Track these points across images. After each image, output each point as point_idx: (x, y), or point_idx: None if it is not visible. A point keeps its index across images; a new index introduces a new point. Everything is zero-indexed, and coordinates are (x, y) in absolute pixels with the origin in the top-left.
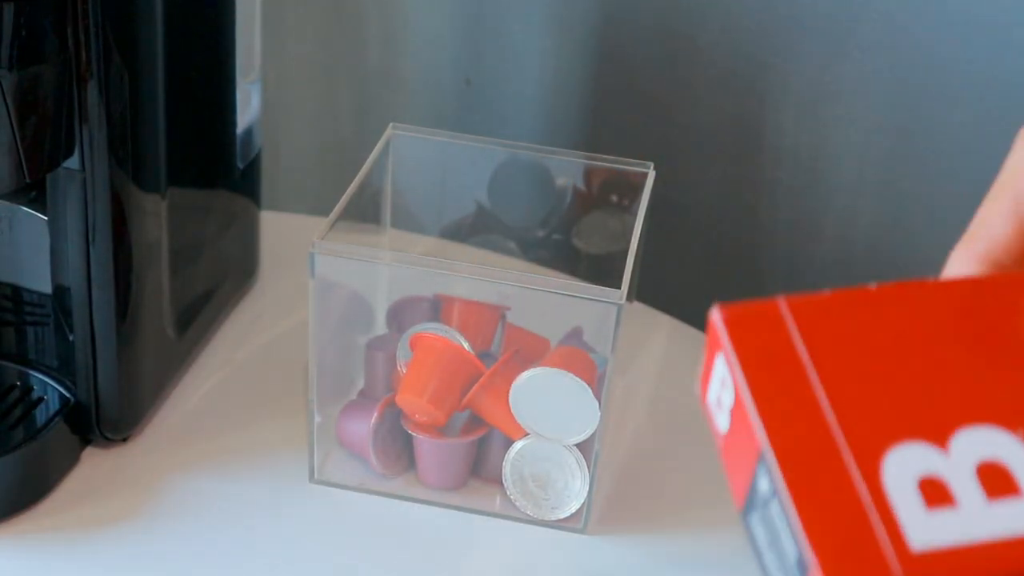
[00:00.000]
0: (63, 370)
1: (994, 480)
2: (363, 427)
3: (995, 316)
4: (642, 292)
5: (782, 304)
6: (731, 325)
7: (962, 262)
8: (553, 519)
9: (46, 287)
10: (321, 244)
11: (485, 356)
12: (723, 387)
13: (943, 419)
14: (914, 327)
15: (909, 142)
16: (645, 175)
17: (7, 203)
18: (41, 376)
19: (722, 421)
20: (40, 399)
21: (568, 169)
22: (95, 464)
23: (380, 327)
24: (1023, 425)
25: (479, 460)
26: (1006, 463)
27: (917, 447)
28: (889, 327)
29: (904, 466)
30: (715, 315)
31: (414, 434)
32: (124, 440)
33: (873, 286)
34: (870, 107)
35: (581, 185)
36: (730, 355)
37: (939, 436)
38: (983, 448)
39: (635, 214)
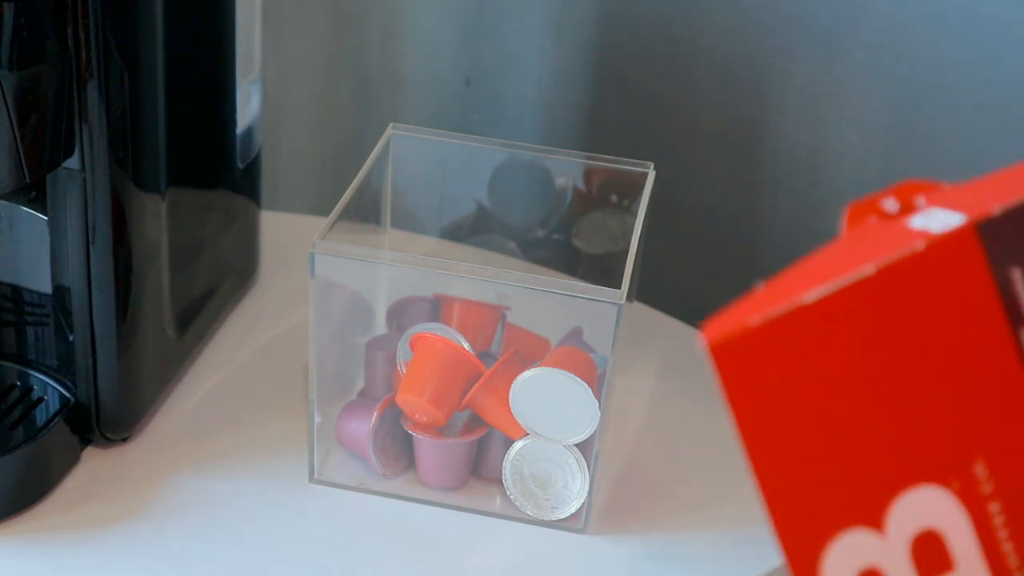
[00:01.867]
0: (63, 370)
1: (929, 557)
2: (363, 427)
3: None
4: (642, 292)
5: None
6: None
7: None
8: (553, 519)
9: (46, 287)
10: (321, 244)
11: (485, 356)
12: None
13: (878, 490)
14: (828, 376)
15: (909, 142)
16: (645, 175)
17: (7, 203)
18: (41, 376)
19: None
20: (40, 399)
21: (568, 169)
22: (95, 464)
23: (380, 327)
24: (955, 475)
25: (479, 460)
26: (941, 530)
27: (854, 535)
28: (803, 387)
29: (842, 564)
30: None
31: (414, 434)
32: (124, 440)
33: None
34: (870, 107)
35: (581, 185)
36: None
37: (874, 514)
38: (918, 517)
39: (635, 214)
